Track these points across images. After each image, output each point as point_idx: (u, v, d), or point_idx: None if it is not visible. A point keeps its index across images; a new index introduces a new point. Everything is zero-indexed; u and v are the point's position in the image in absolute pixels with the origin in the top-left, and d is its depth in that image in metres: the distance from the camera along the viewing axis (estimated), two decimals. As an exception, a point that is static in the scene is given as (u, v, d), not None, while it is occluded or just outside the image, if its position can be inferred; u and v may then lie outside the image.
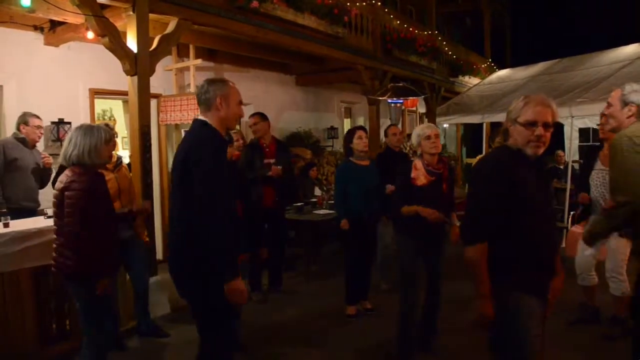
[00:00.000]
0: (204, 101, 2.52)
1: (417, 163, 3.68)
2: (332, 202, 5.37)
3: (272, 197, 5.24)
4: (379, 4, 8.68)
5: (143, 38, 4.56)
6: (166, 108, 5.94)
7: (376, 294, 5.16)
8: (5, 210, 4.17)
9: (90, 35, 4.89)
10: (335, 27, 7.08)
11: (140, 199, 4.43)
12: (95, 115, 6.35)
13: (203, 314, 2.52)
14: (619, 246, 3.98)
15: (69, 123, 5.52)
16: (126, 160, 4.68)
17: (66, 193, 2.88)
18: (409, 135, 9.99)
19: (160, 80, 6.49)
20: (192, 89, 6.58)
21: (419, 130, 3.70)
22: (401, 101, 8.09)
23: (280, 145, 5.53)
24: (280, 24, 6.13)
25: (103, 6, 4.42)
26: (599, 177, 4.13)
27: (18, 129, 4.59)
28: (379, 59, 8.63)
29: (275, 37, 6.18)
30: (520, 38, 18.63)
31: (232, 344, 2.68)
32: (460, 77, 12.63)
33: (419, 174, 3.63)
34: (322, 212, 6.32)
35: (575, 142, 9.13)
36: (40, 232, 3.62)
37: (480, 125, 10.42)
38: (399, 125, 8.45)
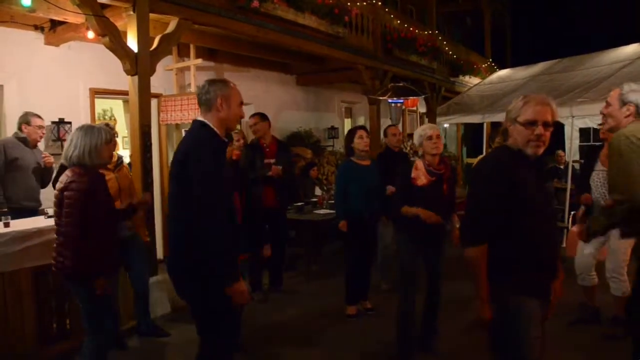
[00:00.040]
0: (205, 101, 2.51)
1: (418, 163, 3.68)
2: (333, 201, 5.37)
3: (273, 197, 5.24)
4: (380, 3, 8.68)
5: (143, 38, 4.56)
6: (167, 108, 5.94)
7: (376, 294, 5.16)
8: (6, 209, 4.17)
9: (90, 35, 4.88)
10: (336, 27, 7.08)
11: (140, 191, 4.43)
12: (96, 115, 6.35)
13: (203, 316, 2.52)
14: (619, 246, 3.98)
15: (70, 123, 5.52)
16: (126, 160, 4.68)
17: (65, 193, 2.88)
18: (410, 135, 10.06)
19: (161, 80, 6.49)
20: (193, 89, 6.58)
21: (421, 131, 3.70)
22: (401, 101, 8.09)
23: (280, 145, 5.53)
24: (281, 23, 6.13)
25: (103, 6, 4.42)
26: (599, 177, 4.13)
27: (20, 128, 4.59)
28: (380, 58, 8.63)
29: (276, 37, 6.18)
30: (521, 38, 18.64)
31: (232, 346, 2.68)
32: (461, 77, 12.63)
33: (420, 174, 3.63)
34: (322, 211, 6.32)
35: (576, 142, 9.13)
36: (40, 231, 3.62)
37: (481, 125, 10.43)
38: (399, 125, 8.46)
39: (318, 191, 7.80)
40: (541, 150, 2.20)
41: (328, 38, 7.08)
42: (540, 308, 2.20)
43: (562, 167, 9.20)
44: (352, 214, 4.55)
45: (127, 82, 4.68)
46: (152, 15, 4.65)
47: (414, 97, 8.32)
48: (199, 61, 6.71)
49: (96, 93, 6.11)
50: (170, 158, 6.69)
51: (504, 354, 2.24)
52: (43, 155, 4.69)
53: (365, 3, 8.06)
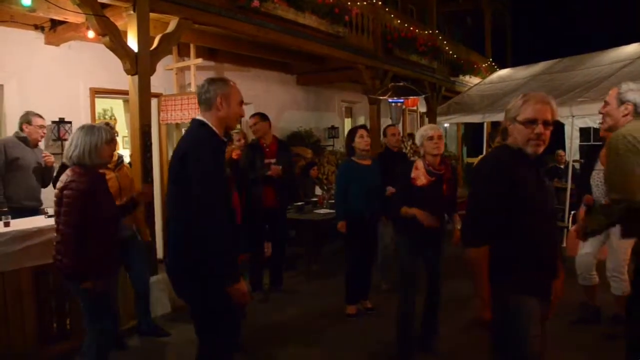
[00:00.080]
0: (205, 100, 2.50)
1: (419, 163, 3.68)
2: (333, 201, 5.37)
3: (273, 197, 5.23)
4: (380, 3, 8.68)
5: (144, 37, 4.56)
6: (167, 107, 5.94)
7: (377, 293, 5.16)
8: (6, 209, 4.17)
9: (90, 34, 4.88)
10: (336, 27, 7.08)
11: (139, 183, 4.43)
12: (96, 115, 6.35)
13: (202, 316, 2.51)
14: (620, 246, 3.98)
15: (70, 122, 5.52)
16: (127, 159, 4.68)
17: (64, 192, 2.89)
18: (410, 135, 10.05)
19: (161, 79, 6.49)
20: (193, 88, 6.58)
21: (423, 131, 3.71)
22: (402, 100, 8.09)
23: (281, 145, 5.52)
24: (281, 23, 6.13)
25: (104, 5, 4.42)
26: (599, 177, 4.13)
27: (21, 128, 4.59)
28: (380, 58, 8.63)
29: (276, 37, 6.18)
30: (521, 37, 18.62)
31: (232, 345, 2.67)
32: (461, 77, 12.63)
33: (420, 174, 3.63)
34: (322, 211, 6.32)
35: (576, 142, 9.13)
36: (40, 231, 3.62)
37: (481, 124, 10.42)
38: (399, 125, 8.46)
39: (318, 191, 7.80)
40: (541, 149, 2.20)
41: (328, 38, 7.08)
42: (541, 308, 2.20)
43: (562, 166, 9.20)
44: (353, 214, 4.55)
45: (128, 82, 4.68)
46: (152, 15, 4.65)
47: (414, 97, 8.32)
48: (199, 61, 6.71)
49: (96, 93, 6.11)
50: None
51: (505, 353, 2.24)
52: (43, 155, 4.69)
53: (365, 3, 8.06)
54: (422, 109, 12.05)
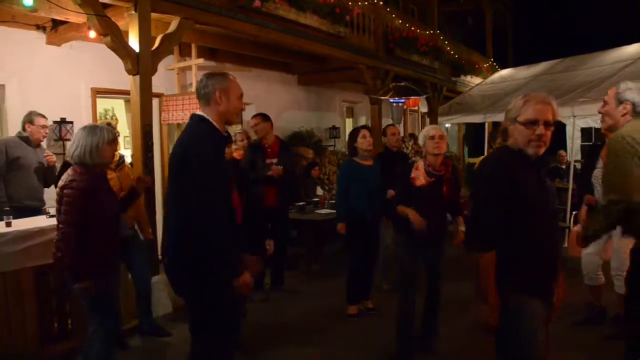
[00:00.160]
0: (203, 96, 2.47)
1: (419, 163, 3.68)
2: (334, 201, 5.37)
3: (274, 197, 5.24)
4: (381, 3, 8.68)
5: (145, 37, 4.56)
6: (168, 107, 5.94)
7: (378, 293, 5.15)
8: (7, 208, 4.18)
9: (92, 34, 4.89)
10: (337, 27, 7.08)
11: (141, 172, 4.43)
12: (97, 115, 6.36)
13: (201, 314, 2.49)
14: (621, 245, 3.97)
15: (71, 122, 5.53)
16: (128, 159, 4.69)
17: (65, 191, 2.89)
18: (411, 135, 10.05)
19: (162, 79, 6.49)
20: (194, 89, 6.56)
21: (425, 131, 3.72)
22: (403, 101, 8.09)
23: (283, 145, 5.53)
24: (282, 23, 6.13)
25: (105, 5, 4.42)
26: (601, 175, 4.12)
27: (23, 127, 4.60)
28: (381, 58, 8.62)
29: (277, 37, 6.18)
30: (522, 37, 18.58)
31: (231, 343, 2.66)
32: (462, 77, 12.62)
33: (419, 174, 3.63)
34: (323, 211, 6.31)
35: (578, 142, 9.13)
36: (42, 231, 3.62)
37: (482, 124, 10.44)
38: (401, 125, 8.45)
39: (319, 191, 7.81)
40: (542, 151, 2.18)
41: (329, 38, 7.08)
42: (543, 309, 2.19)
43: (563, 167, 9.19)
44: (355, 215, 4.55)
45: (129, 82, 4.68)
46: (153, 15, 4.65)
47: (416, 97, 8.32)
48: (201, 61, 6.71)
49: (98, 93, 6.12)
50: (172, 157, 6.71)
51: (506, 353, 2.23)
52: (45, 154, 4.70)
53: (366, 3, 8.06)
54: (424, 109, 12.04)
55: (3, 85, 5.32)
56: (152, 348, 4.10)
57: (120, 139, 4.87)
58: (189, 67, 6.84)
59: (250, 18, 5.66)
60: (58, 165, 4.76)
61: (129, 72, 4.58)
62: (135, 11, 4.48)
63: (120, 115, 8.16)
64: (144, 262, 4.20)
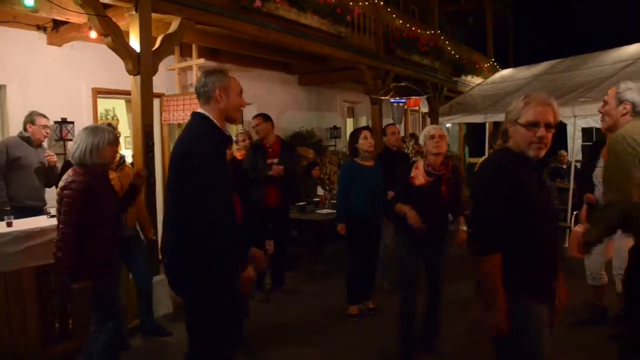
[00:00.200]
0: (203, 94, 2.45)
1: (419, 163, 3.68)
2: (335, 201, 5.37)
3: (275, 197, 5.24)
4: (382, 3, 8.68)
5: (146, 37, 4.57)
6: (169, 107, 5.95)
7: (379, 293, 5.15)
8: (8, 208, 4.18)
9: (93, 34, 4.90)
10: (338, 27, 7.08)
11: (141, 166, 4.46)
12: (98, 115, 6.37)
13: (201, 314, 2.47)
14: (623, 245, 3.96)
15: (72, 122, 5.53)
16: (129, 160, 4.69)
17: (64, 192, 2.90)
18: (412, 135, 10.05)
19: (163, 79, 6.49)
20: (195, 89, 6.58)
21: (425, 131, 3.72)
22: (404, 101, 8.10)
23: (284, 145, 5.54)
24: (283, 23, 6.13)
25: (106, 6, 4.43)
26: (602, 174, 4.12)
27: (25, 127, 4.61)
28: (382, 58, 8.63)
29: (278, 37, 6.19)
30: (523, 37, 18.57)
31: (232, 343, 2.65)
32: (463, 77, 12.61)
33: (419, 174, 3.64)
34: (324, 211, 6.32)
35: (578, 142, 9.10)
36: (43, 231, 3.63)
37: (483, 124, 10.42)
38: (401, 125, 8.45)
39: (320, 191, 7.81)
40: (543, 153, 2.16)
41: (330, 38, 7.08)
42: (544, 312, 2.19)
43: (564, 166, 9.19)
44: (356, 215, 4.54)
45: (130, 82, 4.69)
46: (154, 15, 4.66)
47: (416, 97, 8.33)
48: (201, 61, 6.71)
49: (98, 93, 6.13)
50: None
51: (506, 353, 2.23)
52: (46, 155, 4.71)
53: (367, 3, 8.06)
54: (424, 109, 12.05)
55: (4, 86, 5.32)
56: (154, 348, 4.11)
57: (121, 139, 4.86)
58: (190, 67, 6.85)
59: (251, 18, 5.66)
60: (59, 165, 4.77)
61: (130, 72, 4.58)
62: (136, 11, 4.49)
63: (121, 115, 8.16)
64: (145, 262, 4.20)
